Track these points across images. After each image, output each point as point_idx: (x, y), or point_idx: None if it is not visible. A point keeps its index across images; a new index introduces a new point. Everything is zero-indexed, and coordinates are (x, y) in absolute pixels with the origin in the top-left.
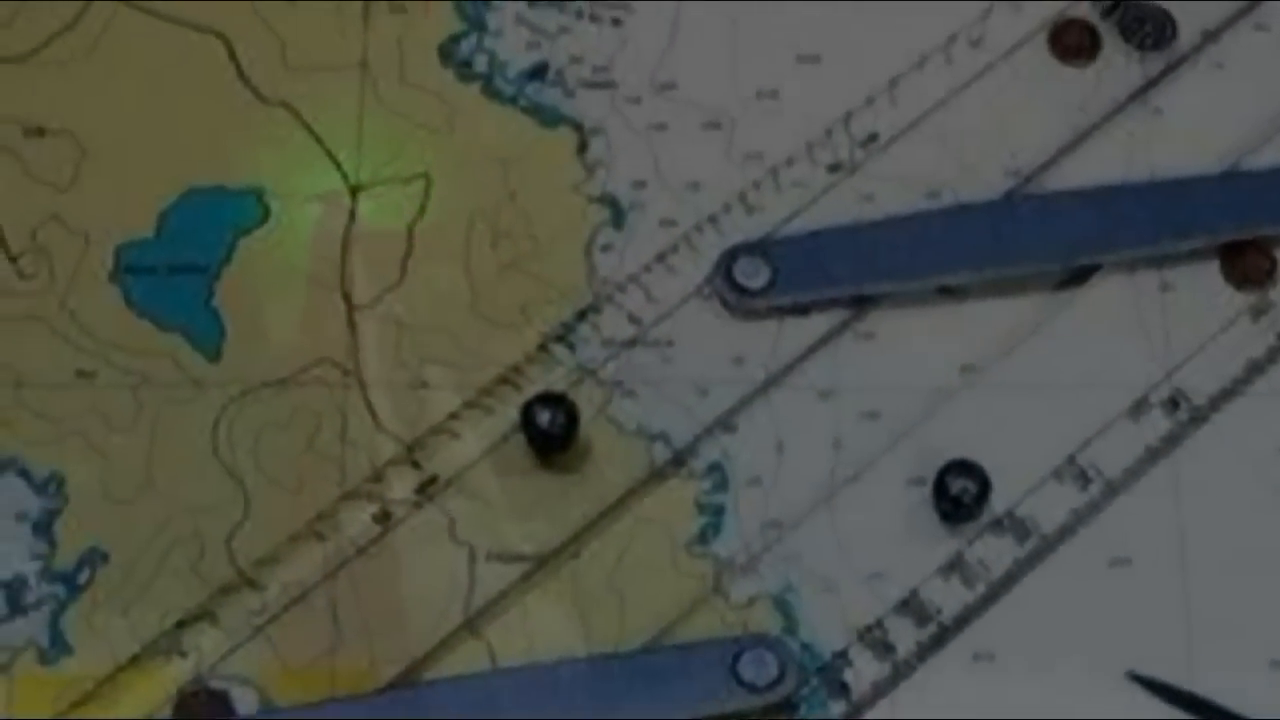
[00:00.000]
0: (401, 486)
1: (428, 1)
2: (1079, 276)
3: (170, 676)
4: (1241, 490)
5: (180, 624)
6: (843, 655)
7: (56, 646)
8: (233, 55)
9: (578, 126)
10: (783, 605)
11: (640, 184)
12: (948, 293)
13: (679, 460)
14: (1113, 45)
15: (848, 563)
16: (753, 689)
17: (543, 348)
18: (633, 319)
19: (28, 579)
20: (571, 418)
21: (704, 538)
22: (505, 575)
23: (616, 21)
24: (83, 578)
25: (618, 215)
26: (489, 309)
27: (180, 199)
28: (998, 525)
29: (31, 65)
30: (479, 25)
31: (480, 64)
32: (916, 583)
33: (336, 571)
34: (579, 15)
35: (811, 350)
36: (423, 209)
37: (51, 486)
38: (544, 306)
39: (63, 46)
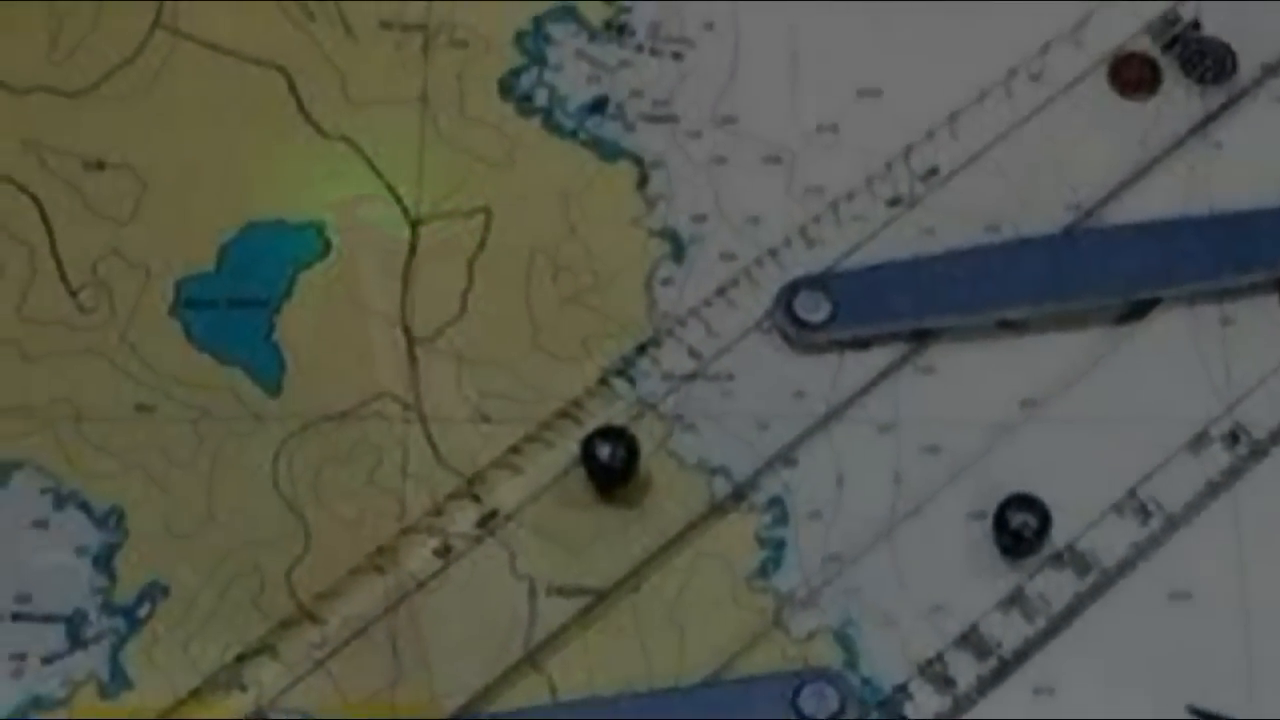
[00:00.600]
0: (462, 520)
1: (488, 36)
2: (1139, 310)
3: (230, 710)
4: None
5: (241, 657)
6: (903, 689)
7: (117, 680)
8: (293, 89)
9: (638, 160)
10: (843, 639)
11: (700, 218)
12: (1008, 326)
13: (739, 494)
14: (1173, 79)
15: (908, 596)
16: None
17: (603, 381)
18: (693, 353)
19: (88, 613)
20: (632, 452)
21: (764, 571)
22: (566, 609)
23: (677, 55)
24: (143, 611)
25: (678, 249)
26: (549, 343)
27: (241, 233)
28: (1058, 559)
29: (92, 99)
30: (539, 59)
31: (541, 98)
32: (977, 616)
33: (397, 605)
34: (639, 49)
35: (872, 384)
36: (483, 243)
37: (112, 520)
38: (604, 340)
39: (123, 80)
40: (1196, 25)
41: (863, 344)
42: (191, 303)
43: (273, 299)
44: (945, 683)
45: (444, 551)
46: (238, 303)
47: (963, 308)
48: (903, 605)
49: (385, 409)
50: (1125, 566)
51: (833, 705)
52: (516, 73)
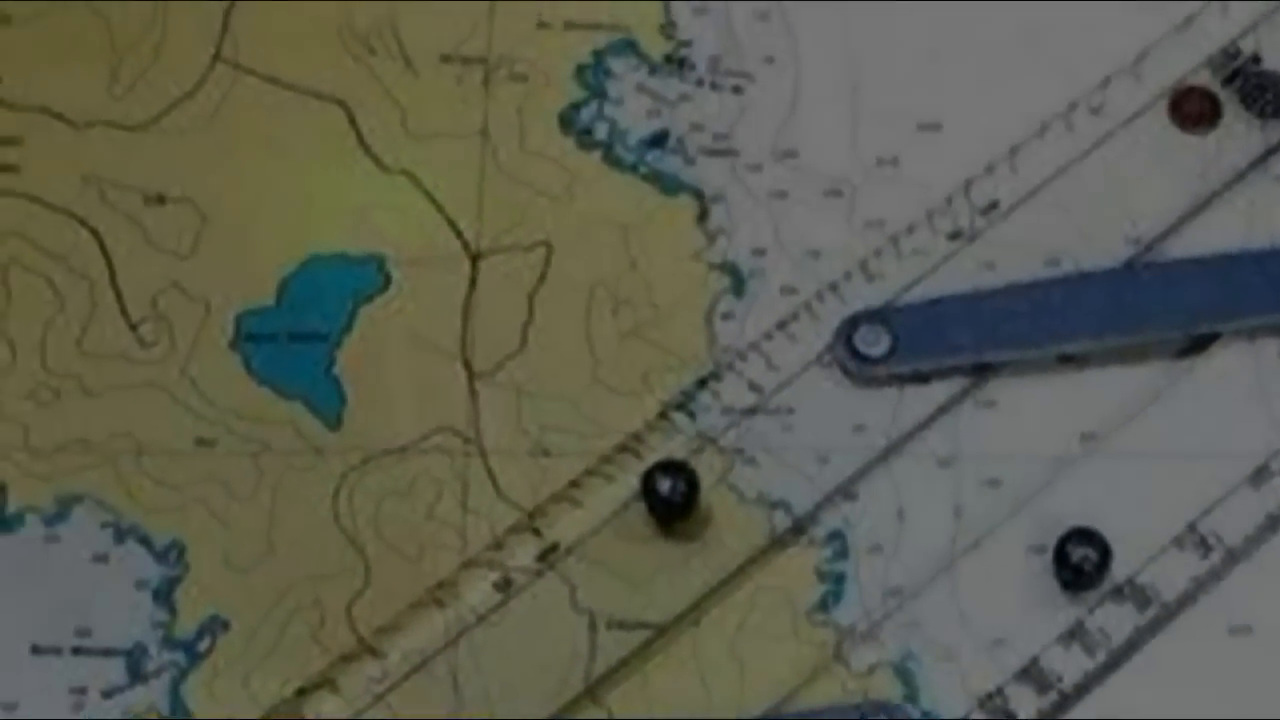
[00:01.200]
0: (522, 554)
1: (548, 69)
2: (1199, 344)
3: None
4: None
5: (301, 691)
6: None
7: (177, 714)
8: (353, 123)
9: (698, 194)
10: (903, 673)
11: (761, 251)
12: (1068, 360)
13: (800, 528)
14: (1233, 113)
15: (968, 630)
16: None
17: (663, 415)
18: (753, 387)
19: (148, 647)
20: (692, 485)
21: (825, 605)
22: (626, 643)
23: (737, 89)
24: (203, 645)
25: (738, 283)
26: (610, 376)
27: (301, 266)
28: (1118, 593)
29: (152, 133)
30: (600, 93)
31: (601, 131)
32: (1037, 650)
33: (457, 639)
34: (700, 83)
35: (932, 418)
36: (543, 276)
37: (172, 554)
38: (664, 374)
39: (183, 114)
40: (1257, 59)
41: (923, 378)
42: (252, 336)
43: (333, 333)
44: (1006, 717)
45: (504, 585)
46: (298, 336)
47: (1023, 342)
48: (963, 639)
49: (445, 443)
50: (1185, 600)
51: None
52: (577, 106)
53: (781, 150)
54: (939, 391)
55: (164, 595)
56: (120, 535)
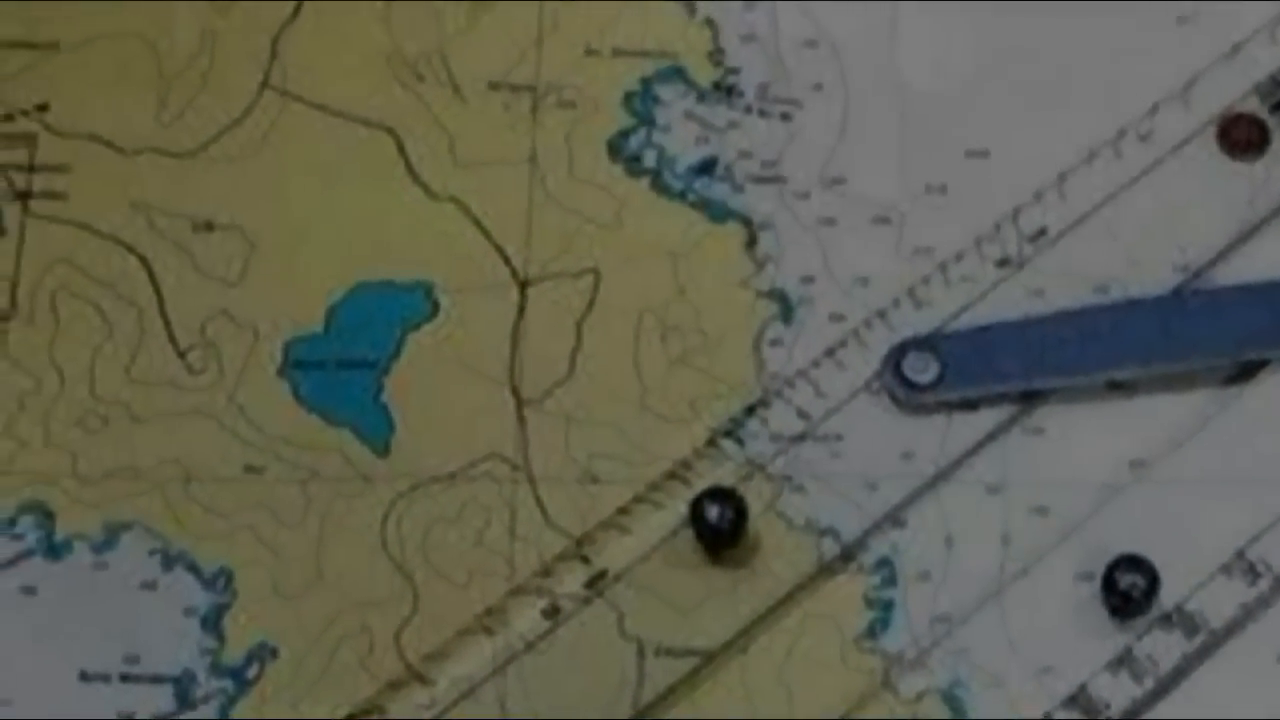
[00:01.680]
0: (570, 581)
1: (597, 97)
2: (1248, 371)
3: None
4: None
5: (349, 718)
6: None
7: None
8: (402, 150)
9: (747, 221)
10: (952, 700)
11: (809, 279)
12: (1116, 388)
13: (848, 555)
14: None
15: (1017, 657)
16: None
17: (712, 442)
18: (801, 414)
19: (197, 674)
20: (740, 512)
21: (873, 632)
22: (674, 670)
23: (786, 116)
24: (252, 672)
25: (787, 310)
26: (658, 404)
27: (349, 293)
28: (1166, 620)
29: (200, 160)
30: (648, 120)
31: (649, 159)
32: (1085, 677)
33: (505, 666)
34: (748, 110)
35: (980, 445)
36: (591, 303)
37: (220, 581)
38: (713, 401)
39: (231, 141)
40: None
41: (971, 405)
42: (300, 363)
43: (381, 360)
44: None
45: (552, 612)
46: (346, 363)
47: (1071, 369)
48: (1011, 666)
49: (494, 470)
50: (1234, 627)
51: None
52: (625, 134)
53: (830, 177)
54: (987, 419)
55: (212, 622)
56: (168, 562)
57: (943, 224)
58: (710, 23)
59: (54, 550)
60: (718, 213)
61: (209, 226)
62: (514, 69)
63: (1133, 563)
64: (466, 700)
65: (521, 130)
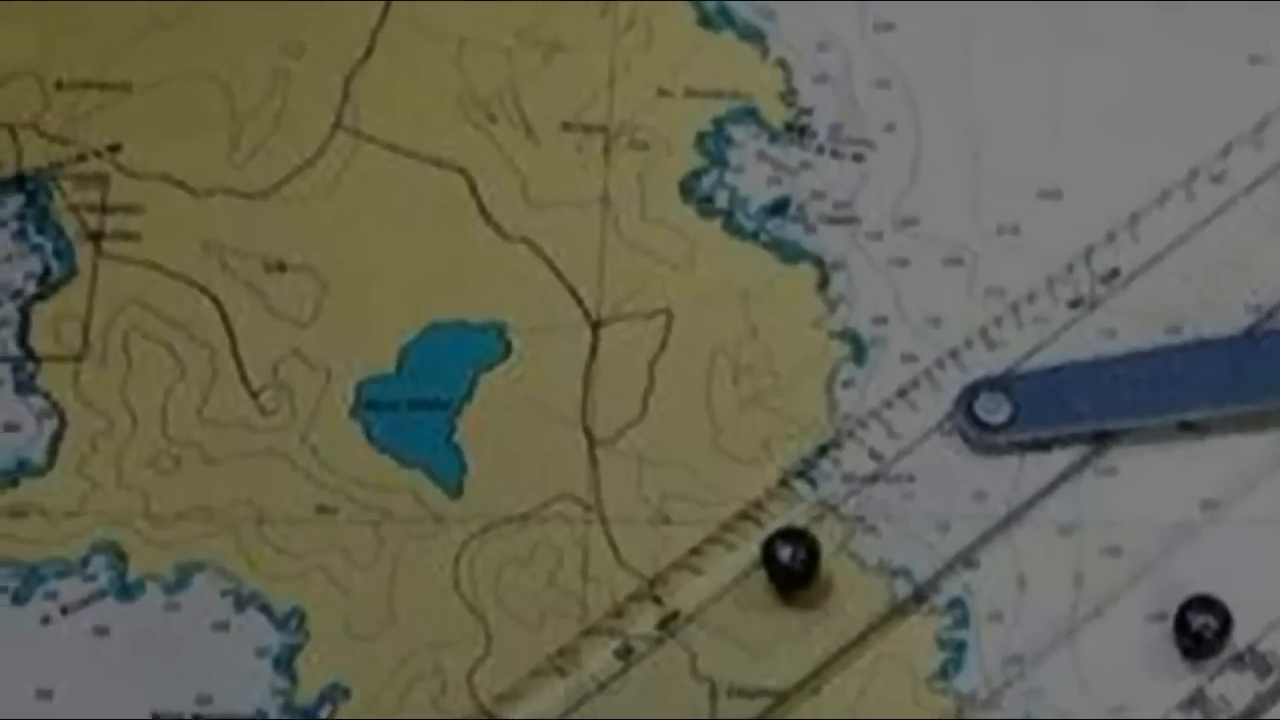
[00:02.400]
0: (643, 621)
1: (669, 137)
2: None
3: None
4: None
5: None
6: None
7: None
8: (474, 190)
9: (819, 262)
10: None
11: (881, 319)
12: (1189, 428)
13: (920, 595)
14: None
15: (1089, 698)
16: None
17: (784, 483)
18: (874, 454)
19: (269, 714)
20: (813, 553)
21: (945, 673)
22: (747, 710)
23: (858, 157)
24: (324, 713)
25: (859, 351)
26: (730, 444)
27: (422, 334)
28: (1239, 661)
29: (273, 201)
30: (720, 161)
31: (721, 199)
32: (1158, 718)
33: (578, 707)
34: (820, 151)
35: (1053, 485)
36: (664, 344)
37: (293, 622)
38: (785, 442)
39: (304, 182)
40: None
41: (1043, 445)
42: (372, 404)
43: (454, 400)
44: None
45: (625, 653)
46: (419, 404)
47: (1144, 409)
48: (1083, 707)
49: (566, 510)
50: None
51: None
52: (697, 174)
53: (902, 218)
54: (1059, 459)
55: (285, 663)
56: (241, 603)
57: (1015, 264)
58: (783, 63)
59: (126, 591)
60: (790, 253)
61: (281, 267)
62: (586, 109)
63: (1205, 603)
64: None
65: (594, 171)
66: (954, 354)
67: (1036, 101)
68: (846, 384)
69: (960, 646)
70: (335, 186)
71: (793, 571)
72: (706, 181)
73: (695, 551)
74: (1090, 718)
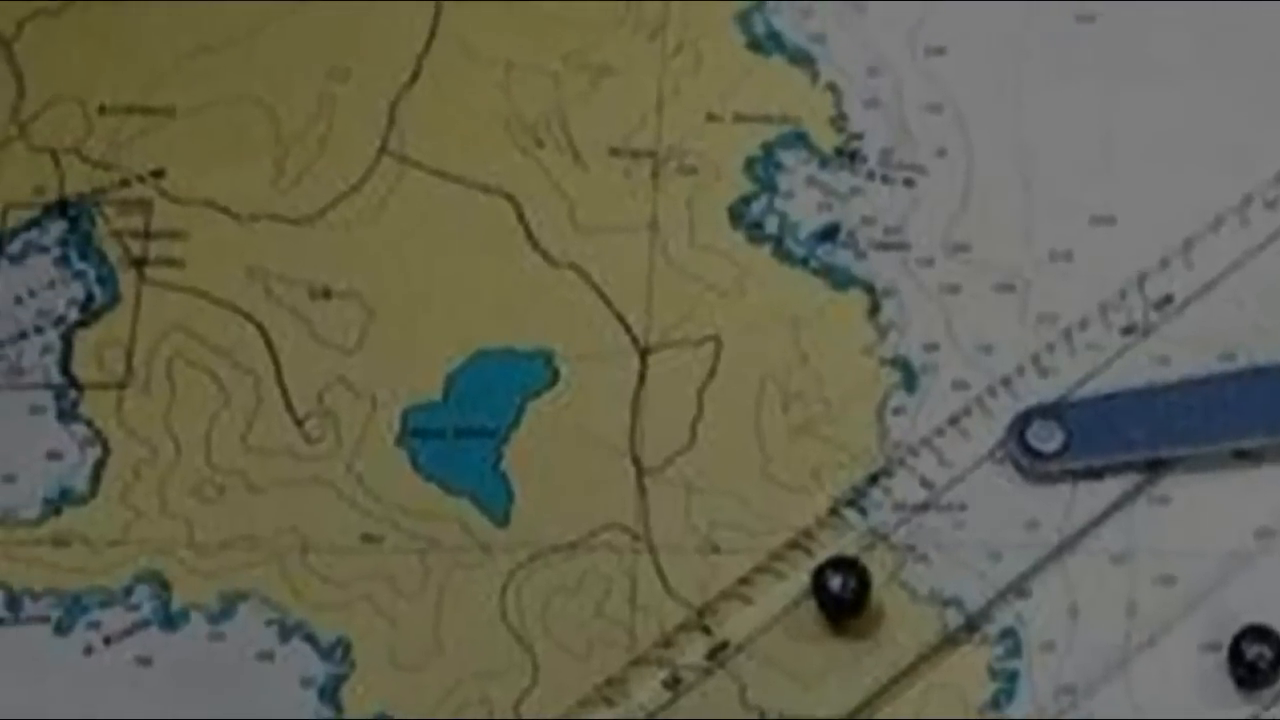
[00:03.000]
0: (691, 652)
1: (718, 162)
2: None
3: None
4: None
5: None
6: None
7: None
8: (521, 217)
9: (869, 288)
10: None
11: (933, 346)
12: (1243, 456)
13: (972, 625)
14: None
15: None
16: None
17: (834, 512)
18: (925, 483)
19: None
20: (863, 583)
21: (997, 703)
22: None
23: (909, 182)
24: None
25: (910, 378)
26: (780, 472)
27: (468, 361)
28: None
29: (318, 227)
30: (770, 187)
31: (771, 225)
32: None
33: None
34: (871, 176)
35: (1105, 514)
36: (713, 371)
37: (338, 652)
38: (835, 470)
39: (349, 208)
40: None
41: (1096, 474)
42: (418, 432)
43: (501, 428)
44: None
45: (673, 683)
46: (465, 432)
47: (1197, 437)
48: None
49: (614, 539)
50: None
51: None
52: (746, 200)
53: (953, 244)
54: (1112, 487)
55: (330, 693)
56: (286, 633)
57: (1068, 291)
58: (833, 88)
59: (170, 621)
60: (840, 280)
61: (326, 293)
62: (634, 134)
63: (1260, 633)
64: None
65: (642, 196)
66: (1006, 381)
67: (1089, 126)
68: (897, 411)
69: (1012, 677)
70: (381, 212)
71: (843, 601)
72: (756, 207)
73: (744, 581)
74: None
